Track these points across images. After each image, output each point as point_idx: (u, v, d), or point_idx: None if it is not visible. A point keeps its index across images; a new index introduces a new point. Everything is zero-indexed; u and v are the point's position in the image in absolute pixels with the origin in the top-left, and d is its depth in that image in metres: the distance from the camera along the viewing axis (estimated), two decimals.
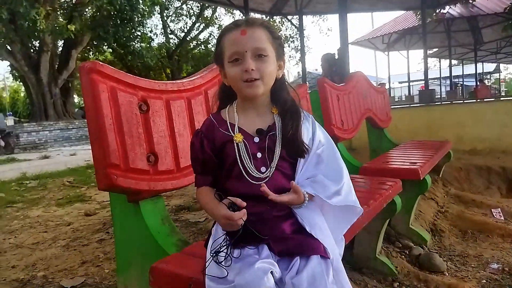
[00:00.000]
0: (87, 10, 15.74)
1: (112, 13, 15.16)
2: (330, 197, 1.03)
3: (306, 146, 1.05)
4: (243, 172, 1.01)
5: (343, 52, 5.58)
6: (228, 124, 1.05)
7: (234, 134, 1.03)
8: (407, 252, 2.38)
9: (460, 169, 3.82)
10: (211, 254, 0.94)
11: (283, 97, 1.08)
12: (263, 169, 1.02)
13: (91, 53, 19.48)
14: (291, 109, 1.07)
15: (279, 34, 1.10)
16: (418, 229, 2.57)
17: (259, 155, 1.02)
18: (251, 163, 1.01)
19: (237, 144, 1.01)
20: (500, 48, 17.99)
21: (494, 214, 3.01)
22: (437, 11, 10.78)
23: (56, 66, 16.58)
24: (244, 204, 0.94)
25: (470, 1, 11.05)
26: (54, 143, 14.63)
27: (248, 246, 0.93)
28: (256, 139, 1.04)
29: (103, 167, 1.22)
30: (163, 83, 1.54)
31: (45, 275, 2.16)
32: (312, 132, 1.09)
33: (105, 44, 17.10)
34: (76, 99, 19.30)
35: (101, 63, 1.29)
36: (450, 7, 11.84)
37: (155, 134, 1.40)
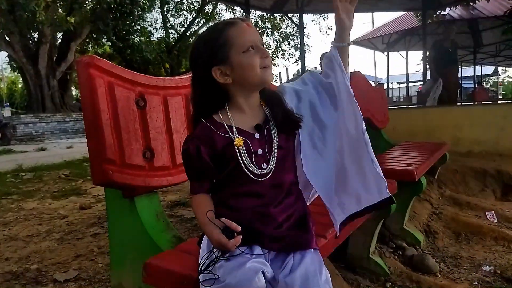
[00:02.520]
0: (87, 2, 15.67)
1: (112, 6, 15.10)
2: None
3: (298, 116, 1.08)
4: (247, 172, 1.01)
5: None
6: (226, 126, 1.04)
7: (233, 136, 1.02)
8: (401, 253, 2.40)
9: (455, 171, 3.83)
10: (200, 270, 0.93)
11: (267, 89, 1.11)
12: (264, 165, 1.02)
13: (90, 45, 19.40)
14: (271, 94, 1.10)
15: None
16: (412, 230, 2.58)
17: (260, 151, 1.03)
18: (252, 163, 1.02)
19: (237, 148, 1.01)
20: (499, 51, 17.98)
21: (488, 216, 3.03)
22: (438, 13, 10.78)
23: (55, 58, 16.51)
24: (239, 229, 0.93)
25: (471, 4, 11.06)
26: (51, 136, 14.59)
27: (240, 247, 0.93)
28: (257, 135, 1.04)
29: (99, 162, 1.22)
30: (161, 79, 1.54)
31: (39, 268, 2.16)
32: (291, 95, 1.13)
33: (105, 37, 17.04)
34: (74, 91, 19.21)
35: (98, 57, 1.28)
36: (450, 9, 11.83)
37: (152, 130, 1.40)
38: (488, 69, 28.61)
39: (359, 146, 1.10)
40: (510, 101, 4.69)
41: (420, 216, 2.88)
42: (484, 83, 29.65)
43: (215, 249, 0.94)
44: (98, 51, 19.90)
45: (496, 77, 32.68)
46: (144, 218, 1.32)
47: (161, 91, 1.49)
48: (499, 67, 28.08)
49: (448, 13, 12.22)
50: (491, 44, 16.26)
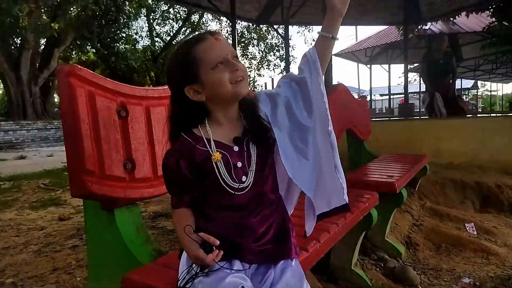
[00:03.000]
0: (72, 9, 15.50)
1: (97, 13, 14.98)
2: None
3: (267, 127, 1.06)
4: (225, 187, 1.00)
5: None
6: (205, 140, 1.03)
7: (211, 150, 1.02)
8: (382, 265, 2.41)
9: (436, 183, 3.90)
10: (178, 286, 0.92)
11: (245, 100, 1.08)
12: (243, 178, 1.02)
13: (74, 52, 19.15)
14: (247, 106, 1.09)
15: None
16: (393, 242, 2.61)
17: (239, 164, 1.03)
18: (230, 177, 1.01)
19: (215, 162, 1.01)
20: (479, 65, 18.56)
21: (467, 228, 3.08)
22: (419, 27, 11.07)
23: (37, 64, 16.22)
24: (217, 243, 0.92)
25: (451, 19, 11.39)
26: (32, 143, 14.27)
27: (220, 261, 0.92)
28: (236, 148, 1.04)
29: (78, 173, 1.19)
30: (144, 89, 1.53)
31: (14, 282, 2.09)
32: (265, 101, 1.12)
33: (89, 44, 16.86)
34: (56, 98, 18.89)
35: (79, 66, 1.27)
36: (431, 24, 12.17)
37: (133, 140, 1.39)
38: (468, 83, 29.42)
39: (327, 148, 1.09)
40: (489, 115, 4.82)
41: (401, 228, 2.92)
42: (464, 96, 30.43)
43: (194, 264, 0.92)
44: (82, 58, 19.66)
45: (476, 90, 33.61)
46: (123, 231, 1.30)
47: (144, 101, 1.48)
48: (478, 81, 28.91)
49: (429, 28, 12.56)
50: (471, 59, 16.76)
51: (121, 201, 1.32)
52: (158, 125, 1.51)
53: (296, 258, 1.05)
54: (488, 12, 9.86)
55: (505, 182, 3.90)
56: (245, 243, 0.98)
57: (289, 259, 1.02)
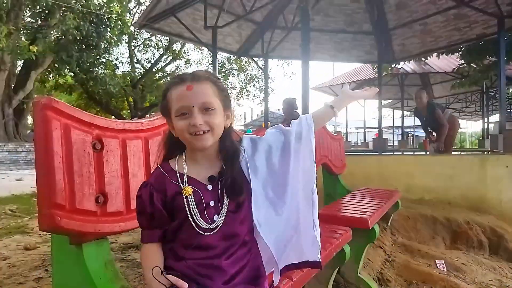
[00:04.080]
0: (52, 32, 15.43)
1: (77, 38, 14.96)
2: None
3: (240, 187, 1.06)
4: (194, 226, 1.00)
5: (304, 97, 5.79)
6: (178, 174, 1.04)
7: (182, 185, 1.02)
8: None
9: (408, 218, 3.97)
10: None
11: (227, 145, 1.10)
12: (216, 217, 1.02)
13: (51, 75, 18.88)
14: (228, 149, 1.10)
15: (225, 86, 1.13)
16: (366, 278, 2.62)
17: (212, 203, 1.03)
18: (200, 215, 1.01)
19: (186, 197, 1.01)
20: (449, 103, 19.42)
21: (437, 265, 3.13)
22: (392, 66, 11.58)
23: (13, 86, 15.90)
24: (186, 286, 0.92)
25: (423, 59, 11.96)
26: (1, 166, 13.76)
27: None
28: (209, 187, 1.04)
29: (47, 207, 1.17)
30: (121, 122, 1.53)
31: None
32: (248, 144, 1.14)
33: (67, 68, 16.70)
34: (30, 120, 18.42)
35: (56, 99, 1.27)
36: (404, 63, 12.75)
37: (107, 174, 1.37)
38: None
39: (308, 205, 1.12)
40: (458, 153, 5.02)
41: (373, 263, 2.94)
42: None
43: None
44: (60, 81, 19.39)
45: None
46: (91, 266, 1.26)
47: (120, 134, 1.48)
48: None
49: (402, 67, 13.14)
50: (442, 97, 17.53)
51: (91, 235, 1.29)
52: (134, 158, 1.50)
53: None
54: (457, 54, 10.43)
55: (474, 219, 4.01)
56: (215, 285, 0.96)
57: None
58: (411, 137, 24.26)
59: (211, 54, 9.62)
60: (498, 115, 10.45)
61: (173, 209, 1.02)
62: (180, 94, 1.03)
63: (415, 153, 8.42)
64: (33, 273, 2.63)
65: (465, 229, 3.89)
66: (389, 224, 3.76)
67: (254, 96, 23.88)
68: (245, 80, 23.25)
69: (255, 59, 11.90)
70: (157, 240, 1.04)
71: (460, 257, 3.37)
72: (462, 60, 10.52)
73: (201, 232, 1.00)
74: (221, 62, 21.14)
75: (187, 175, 1.04)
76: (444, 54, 9.90)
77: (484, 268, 3.25)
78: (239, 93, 23.56)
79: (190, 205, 1.00)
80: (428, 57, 10.24)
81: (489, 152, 6.33)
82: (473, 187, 4.64)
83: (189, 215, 1.00)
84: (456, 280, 2.83)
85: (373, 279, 2.75)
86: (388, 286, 2.72)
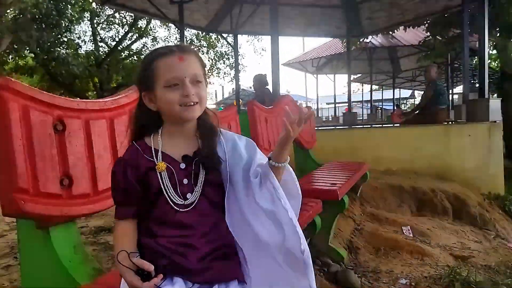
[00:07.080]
0: (8, 11, 14.52)
1: (37, 16, 14.18)
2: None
3: (219, 158, 1.06)
4: (168, 200, 1.00)
5: (275, 73, 5.77)
6: (153, 150, 1.04)
7: (156, 160, 1.02)
8: (326, 270, 2.50)
9: (376, 188, 4.11)
10: None
11: (205, 120, 1.10)
12: (189, 195, 1.02)
13: (10, 57, 17.88)
14: (207, 129, 1.10)
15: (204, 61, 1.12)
16: (336, 247, 2.72)
17: (185, 181, 1.03)
18: (174, 191, 1.01)
19: (159, 173, 1.01)
20: (415, 76, 19.91)
21: (404, 231, 3.28)
22: (361, 40, 11.68)
23: None
24: (152, 268, 0.91)
25: (390, 33, 12.11)
26: None
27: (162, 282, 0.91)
28: (183, 165, 1.04)
29: (9, 191, 1.13)
30: (83, 102, 1.49)
31: None
32: (228, 141, 1.11)
33: (27, 48, 15.85)
34: None
35: (13, 80, 1.21)
36: (372, 37, 12.88)
37: (71, 155, 1.34)
38: (406, 93, 31.33)
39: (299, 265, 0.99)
40: (423, 125, 5.19)
41: (343, 233, 3.04)
42: (402, 105, 32.37)
43: None
44: (20, 63, 18.43)
45: (413, 99, 35.87)
46: (59, 250, 1.24)
47: (83, 115, 1.43)
48: (415, 91, 30.90)
49: (370, 41, 13.28)
50: (408, 70, 17.91)
51: (57, 219, 1.26)
52: (99, 138, 1.46)
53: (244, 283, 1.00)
54: (423, 27, 10.61)
55: (439, 186, 4.21)
56: (188, 263, 0.95)
57: (236, 281, 0.98)
58: (380, 110, 24.83)
59: (179, 30, 9.37)
60: (462, 86, 10.80)
61: (147, 185, 1.02)
62: (170, 65, 1.02)
63: (383, 125, 8.63)
64: (1, 261, 2.56)
65: (430, 197, 4.08)
66: (358, 195, 3.89)
67: (224, 73, 23.52)
68: (215, 58, 22.86)
69: (224, 35, 11.67)
70: (131, 216, 1.03)
71: (425, 223, 3.55)
72: (428, 33, 10.73)
73: (175, 208, 1.00)
74: (190, 39, 20.66)
75: (161, 151, 1.04)
76: (410, 27, 10.05)
77: (448, 232, 3.44)
78: (209, 71, 23.18)
79: (164, 180, 1.01)
80: (396, 31, 10.36)
81: (453, 122, 6.57)
82: (437, 156, 4.84)
83: (163, 189, 1.00)
84: (422, 245, 2.98)
85: (344, 247, 2.85)
86: (358, 253, 2.84)
